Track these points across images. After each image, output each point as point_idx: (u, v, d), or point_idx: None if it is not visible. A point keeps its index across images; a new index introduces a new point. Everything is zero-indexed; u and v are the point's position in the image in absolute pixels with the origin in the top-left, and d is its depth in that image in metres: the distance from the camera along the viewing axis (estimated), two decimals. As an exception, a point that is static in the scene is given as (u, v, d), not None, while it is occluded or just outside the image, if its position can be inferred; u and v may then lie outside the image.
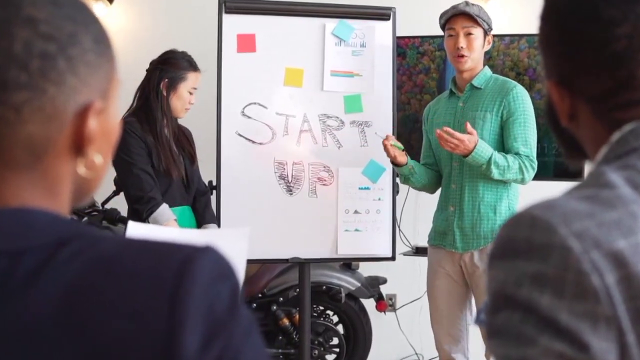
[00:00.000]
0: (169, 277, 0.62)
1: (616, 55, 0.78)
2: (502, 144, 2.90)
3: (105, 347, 0.61)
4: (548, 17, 0.86)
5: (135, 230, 1.45)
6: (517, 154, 2.85)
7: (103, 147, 0.73)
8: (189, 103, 3.06)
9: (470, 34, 2.91)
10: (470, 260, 2.92)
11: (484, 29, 2.93)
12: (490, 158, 2.75)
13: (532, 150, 2.87)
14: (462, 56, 2.91)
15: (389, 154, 2.94)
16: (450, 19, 2.94)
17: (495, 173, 2.79)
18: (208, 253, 0.65)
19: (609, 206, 0.70)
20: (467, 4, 2.93)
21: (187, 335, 0.61)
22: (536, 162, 2.87)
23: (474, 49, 2.91)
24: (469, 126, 2.73)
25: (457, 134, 2.70)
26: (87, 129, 0.69)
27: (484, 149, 2.75)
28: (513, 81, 2.97)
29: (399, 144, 2.94)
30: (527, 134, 2.87)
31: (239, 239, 1.46)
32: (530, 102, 2.91)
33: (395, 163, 2.99)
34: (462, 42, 2.90)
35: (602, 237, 0.68)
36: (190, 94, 3.05)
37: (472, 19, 2.90)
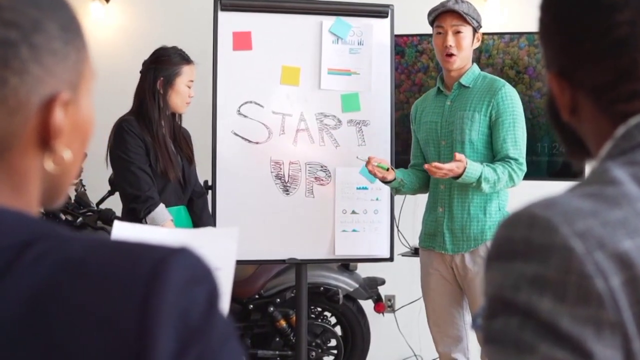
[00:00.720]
0: (140, 281, 0.59)
1: (618, 43, 0.75)
2: (491, 144, 2.87)
3: (72, 355, 0.57)
4: (547, 6, 0.83)
5: (121, 230, 1.42)
6: (506, 156, 2.82)
7: (73, 142, 0.69)
8: (188, 97, 3.04)
9: (459, 32, 2.87)
10: (462, 263, 2.89)
11: (473, 26, 2.88)
12: (479, 177, 2.73)
13: (521, 151, 2.85)
14: (451, 55, 2.87)
15: (376, 177, 2.90)
16: (438, 16, 2.90)
17: (486, 188, 2.78)
18: (182, 255, 0.61)
19: (613, 204, 0.66)
20: (456, 1, 2.88)
21: (160, 342, 0.57)
22: (525, 164, 2.85)
23: (463, 48, 2.87)
24: (457, 155, 2.71)
25: (446, 166, 2.69)
26: (53, 121, 0.65)
27: (473, 170, 2.73)
28: (502, 80, 2.93)
29: (384, 164, 2.90)
30: (516, 135, 2.84)
31: (228, 239, 1.43)
32: (519, 102, 2.88)
33: (384, 182, 2.95)
34: (451, 40, 2.86)
35: (607, 237, 0.64)
36: (189, 87, 3.03)
37: (461, 17, 2.86)
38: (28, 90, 0.64)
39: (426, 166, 2.73)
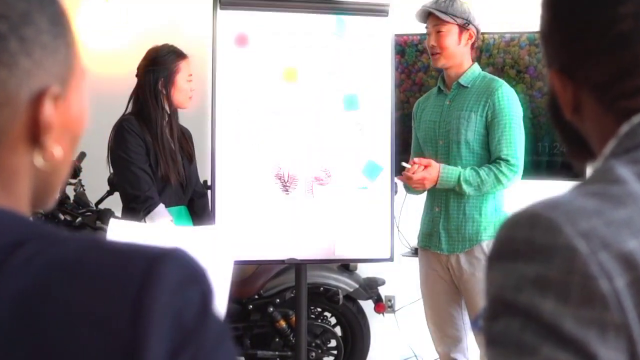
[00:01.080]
0: (134, 281, 0.57)
1: (621, 37, 0.73)
2: (487, 144, 2.87)
3: (65, 355, 0.56)
4: (549, 3, 0.81)
5: (117, 228, 1.41)
6: (499, 157, 2.81)
7: (64, 139, 0.67)
8: (190, 91, 3.06)
9: (439, 31, 2.87)
10: (457, 263, 2.89)
11: (458, 24, 2.87)
12: (458, 179, 2.76)
13: (516, 151, 2.82)
14: (435, 54, 2.89)
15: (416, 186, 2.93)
16: (427, 16, 2.92)
17: (470, 191, 2.80)
18: (176, 255, 0.60)
19: (618, 203, 0.65)
20: (436, 1, 2.89)
21: (153, 345, 0.56)
22: (518, 165, 2.82)
23: (446, 47, 2.88)
24: (419, 160, 2.80)
25: (415, 177, 2.79)
26: (42, 115, 0.64)
27: (449, 174, 2.77)
28: (500, 80, 2.92)
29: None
30: (511, 135, 2.82)
31: (225, 239, 1.42)
32: (516, 102, 2.87)
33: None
34: (432, 40, 2.90)
35: (611, 237, 0.62)
36: (189, 81, 3.05)
37: (438, 16, 2.86)
38: (17, 83, 0.63)
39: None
